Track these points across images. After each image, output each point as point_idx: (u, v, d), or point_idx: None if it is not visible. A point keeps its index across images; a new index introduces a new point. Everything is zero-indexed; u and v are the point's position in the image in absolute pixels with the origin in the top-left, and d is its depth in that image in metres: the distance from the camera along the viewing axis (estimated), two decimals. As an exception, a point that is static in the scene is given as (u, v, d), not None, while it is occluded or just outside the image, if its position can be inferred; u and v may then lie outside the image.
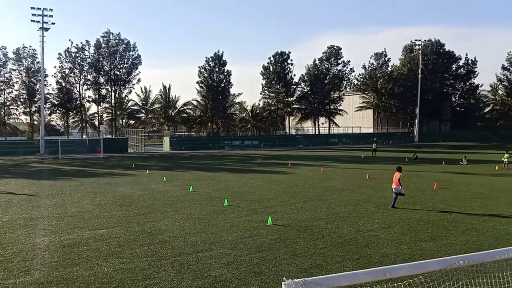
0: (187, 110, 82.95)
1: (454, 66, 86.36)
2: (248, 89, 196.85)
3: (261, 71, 77.81)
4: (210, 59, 72.48)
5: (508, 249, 3.84)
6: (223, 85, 73.26)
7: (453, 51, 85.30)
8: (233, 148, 63.70)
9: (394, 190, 16.89)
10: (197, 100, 77.82)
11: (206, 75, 72.71)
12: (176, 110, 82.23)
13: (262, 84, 78.35)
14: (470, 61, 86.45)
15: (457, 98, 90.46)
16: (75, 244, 11.75)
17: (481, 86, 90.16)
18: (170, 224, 14.12)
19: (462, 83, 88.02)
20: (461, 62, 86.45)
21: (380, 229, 13.15)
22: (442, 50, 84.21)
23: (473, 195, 19.39)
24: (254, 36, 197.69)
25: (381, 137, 73.72)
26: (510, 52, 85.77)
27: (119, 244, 11.69)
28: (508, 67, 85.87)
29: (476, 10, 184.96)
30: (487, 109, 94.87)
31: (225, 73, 73.41)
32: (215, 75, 72.96)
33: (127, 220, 14.80)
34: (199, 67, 72.65)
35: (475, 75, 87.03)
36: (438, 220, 14.19)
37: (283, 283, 3.19)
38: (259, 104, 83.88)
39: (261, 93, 79.59)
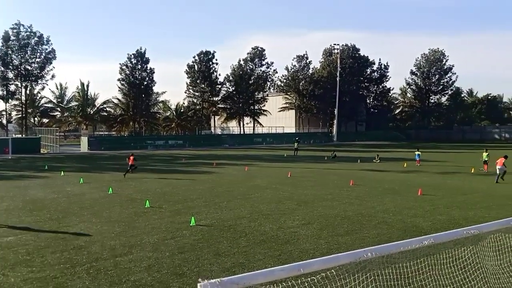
0: (107, 109, 79.39)
1: (368, 70, 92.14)
2: (172, 87, 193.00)
3: (186, 69, 76.82)
4: (132, 56, 70.07)
5: (410, 241, 4.17)
6: (146, 83, 71.19)
7: (367, 56, 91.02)
8: (156, 148, 62.16)
9: (498, 170, 23.64)
10: (118, 98, 74.86)
11: (128, 72, 70.13)
12: (95, 108, 78.26)
13: (187, 83, 77.43)
14: (382, 66, 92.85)
15: (371, 100, 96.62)
16: (-24, 255, 10.68)
17: (392, 89, 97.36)
18: (87, 228, 13.40)
19: (375, 86, 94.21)
20: (375, 67, 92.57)
21: (301, 225, 13.61)
22: (357, 55, 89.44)
23: (384, 190, 20.81)
24: (179, 34, 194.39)
25: (303, 136, 76.44)
26: (418, 58, 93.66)
27: (28, 252, 10.84)
28: (416, 72, 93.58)
29: (388, 17, 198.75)
30: (397, 111, 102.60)
31: (148, 71, 71.42)
32: (137, 72, 70.64)
33: (38, 225, 13.78)
34: (120, 64, 69.93)
35: (387, 79, 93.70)
36: (353, 215, 15.02)
37: (198, 284, 3.16)
38: (184, 103, 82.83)
39: (186, 92, 78.63)
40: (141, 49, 70.18)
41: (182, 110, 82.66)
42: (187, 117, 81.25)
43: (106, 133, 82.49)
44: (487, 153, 29.52)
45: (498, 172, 23.84)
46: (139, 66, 70.45)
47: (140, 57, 70.20)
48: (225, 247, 11.25)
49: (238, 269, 9.44)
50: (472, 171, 29.05)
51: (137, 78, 70.27)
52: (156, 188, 22.09)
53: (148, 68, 71.14)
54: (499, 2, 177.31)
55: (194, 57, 76.32)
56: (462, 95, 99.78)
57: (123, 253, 10.70)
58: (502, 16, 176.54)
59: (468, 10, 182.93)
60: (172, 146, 64.60)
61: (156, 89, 77.12)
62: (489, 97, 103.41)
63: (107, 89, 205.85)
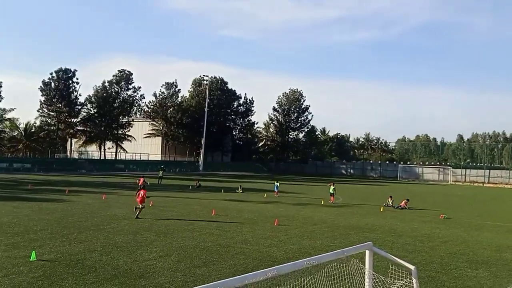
0: None
1: (235, 103, 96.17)
2: (22, 104, 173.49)
3: (41, 86, 70.01)
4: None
5: (255, 273, 4.25)
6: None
7: (235, 90, 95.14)
8: (-3, 171, 54.57)
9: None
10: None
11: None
12: None
13: (40, 101, 70.44)
14: (248, 100, 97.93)
15: (237, 132, 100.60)
16: None
17: (256, 123, 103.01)
18: None
19: (241, 119, 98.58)
20: (241, 101, 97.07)
21: (158, 257, 13.06)
22: (225, 88, 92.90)
23: (244, 220, 21.39)
24: (31, 45, 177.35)
25: (169, 165, 75.21)
26: (279, 96, 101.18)
27: None
28: (278, 108, 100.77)
29: (254, 56, 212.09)
30: (260, 144, 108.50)
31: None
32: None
33: None
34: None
35: (252, 113, 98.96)
36: (212, 246, 15.00)
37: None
38: (36, 123, 74.95)
39: (38, 111, 71.37)
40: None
41: (32, 130, 74.55)
42: (38, 138, 73.44)
43: None
44: (333, 187, 32.72)
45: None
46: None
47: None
48: (69, 284, 10.12)
49: (82, 309, 8.52)
50: (322, 203, 31.81)
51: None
52: (-10, 218, 19.10)
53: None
54: (345, 56, 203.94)
55: (51, 73, 70.25)
56: (317, 133, 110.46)
57: None
58: (349, 68, 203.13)
59: (321, 60, 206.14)
60: (17, 170, 57.48)
61: (2, 105, 68.63)
62: (338, 136, 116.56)
63: None
